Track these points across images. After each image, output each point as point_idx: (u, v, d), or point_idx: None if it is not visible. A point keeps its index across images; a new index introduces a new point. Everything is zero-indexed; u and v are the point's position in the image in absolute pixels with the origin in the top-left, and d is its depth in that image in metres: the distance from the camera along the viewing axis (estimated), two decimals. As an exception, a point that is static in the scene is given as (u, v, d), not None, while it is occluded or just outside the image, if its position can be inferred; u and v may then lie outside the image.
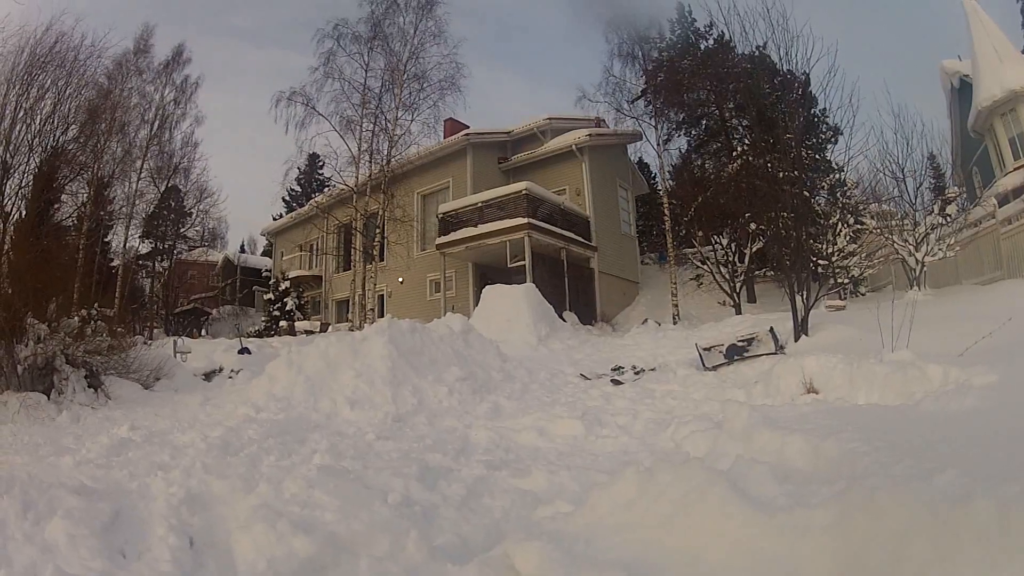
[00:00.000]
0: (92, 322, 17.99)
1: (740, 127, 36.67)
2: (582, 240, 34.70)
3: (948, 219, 25.01)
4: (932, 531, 3.43)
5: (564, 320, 27.76)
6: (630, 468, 5.71)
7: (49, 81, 33.76)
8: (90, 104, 36.70)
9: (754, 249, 28.90)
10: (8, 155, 31.17)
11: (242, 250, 68.73)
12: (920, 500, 3.65)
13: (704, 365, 16.71)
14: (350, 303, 39.25)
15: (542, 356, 20.80)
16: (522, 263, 30.27)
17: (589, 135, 36.87)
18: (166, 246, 49.62)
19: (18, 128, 31.87)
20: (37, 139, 32.77)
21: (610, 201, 39.21)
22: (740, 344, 17.08)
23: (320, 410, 13.43)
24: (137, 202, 42.08)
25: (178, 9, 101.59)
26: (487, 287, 27.65)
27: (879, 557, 3.55)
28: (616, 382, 16.55)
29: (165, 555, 5.34)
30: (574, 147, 36.57)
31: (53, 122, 33.73)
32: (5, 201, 30.53)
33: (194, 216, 49.66)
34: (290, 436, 10.22)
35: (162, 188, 44.94)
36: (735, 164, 31.79)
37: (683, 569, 4.15)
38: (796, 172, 23.70)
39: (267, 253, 62.14)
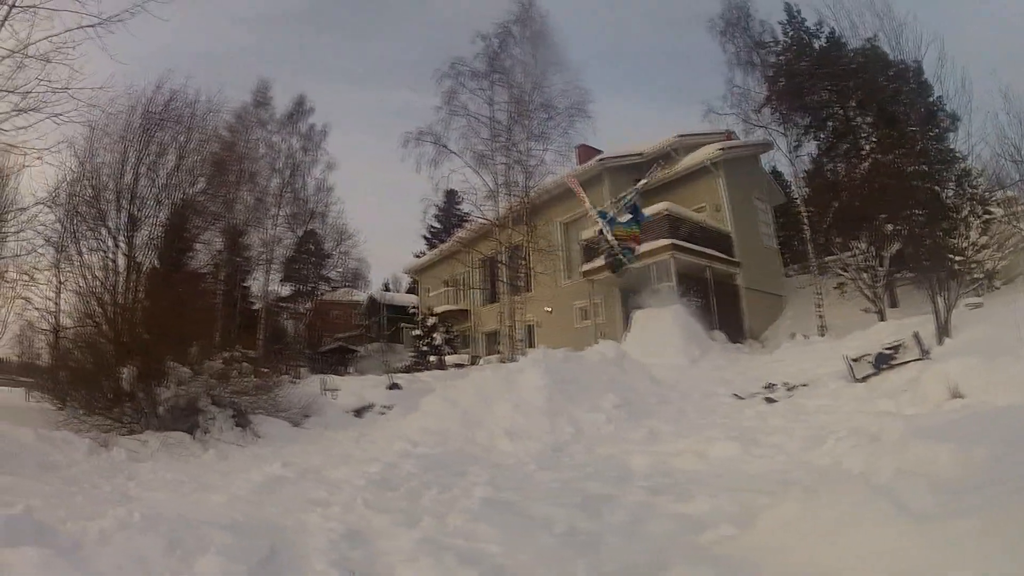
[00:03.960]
0: (237, 363, 18.34)
1: (864, 125, 35.85)
2: (725, 256, 34.10)
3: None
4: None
5: (713, 339, 27.47)
6: (791, 489, 5.71)
7: (169, 137, 34.52)
8: (215, 157, 37.59)
9: (892, 251, 28.15)
10: (135, 209, 31.95)
11: (386, 288, 69.18)
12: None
13: (854, 376, 16.34)
14: (499, 335, 39.17)
15: (695, 377, 20.50)
16: (668, 284, 29.92)
17: (721, 149, 36.16)
18: (308, 288, 50.60)
19: (142, 183, 32.74)
20: (164, 193, 33.57)
21: (749, 214, 38.28)
22: (887, 352, 16.68)
23: (477, 443, 13.53)
24: (275, 247, 42.91)
25: (286, 62, 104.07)
26: (637, 311, 27.57)
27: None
28: (769, 400, 16.37)
29: (326, 589, 5.36)
30: (708, 163, 35.75)
31: (179, 176, 34.52)
32: (135, 252, 31.26)
33: (334, 258, 50.34)
34: (449, 469, 10.30)
35: (299, 233, 45.85)
36: (865, 164, 31.17)
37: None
38: (923, 166, 23.19)
39: (412, 290, 62.93)
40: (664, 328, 24.90)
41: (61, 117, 20.50)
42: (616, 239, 24.60)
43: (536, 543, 6.08)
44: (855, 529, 4.45)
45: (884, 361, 16.34)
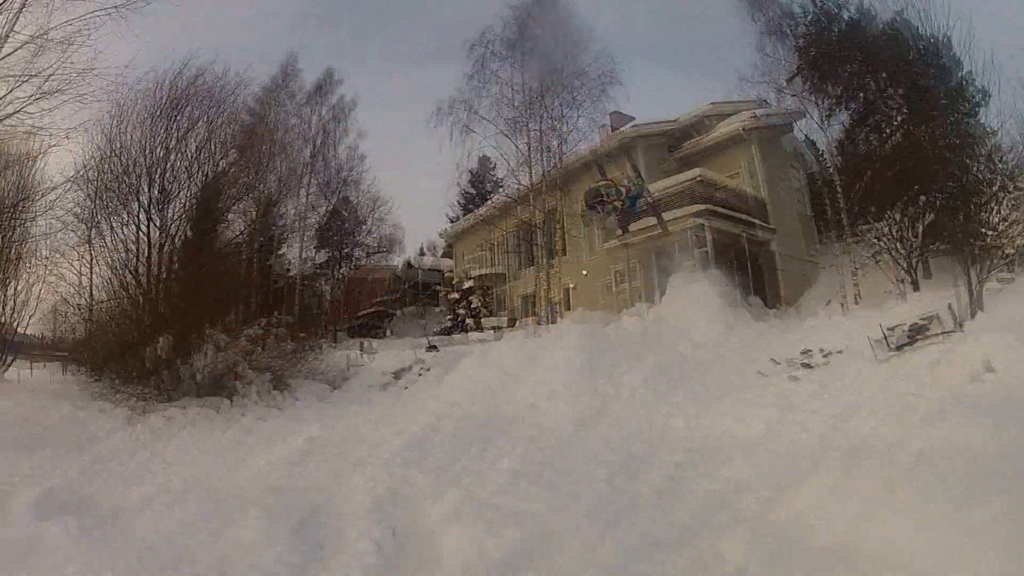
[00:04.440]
0: (273, 329, 18.50)
1: (896, 97, 35.45)
2: (759, 223, 33.24)
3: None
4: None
5: (749, 306, 27.42)
6: (829, 457, 5.82)
7: (198, 112, 34.85)
8: (245, 130, 37.87)
9: (925, 223, 27.86)
10: (165, 182, 32.30)
11: (421, 253, 68.82)
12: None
13: (888, 346, 16.18)
14: (535, 299, 39.06)
15: (731, 343, 20.42)
16: (704, 250, 29.71)
17: (754, 117, 35.42)
18: (343, 254, 50.87)
19: (172, 157, 33.30)
20: (195, 165, 33.91)
21: (782, 182, 37.55)
22: (920, 323, 16.64)
23: (516, 404, 13.50)
24: (309, 215, 43.73)
25: (314, 41, 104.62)
26: (672, 276, 27.57)
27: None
28: (806, 366, 16.39)
29: (368, 548, 5.44)
30: (741, 130, 35.25)
31: (210, 148, 34.82)
32: (168, 225, 31.54)
33: (368, 224, 50.87)
34: (489, 430, 10.38)
35: (332, 201, 46.05)
36: (896, 136, 30.90)
37: (879, 557, 4.16)
38: (954, 140, 22.99)
39: (447, 255, 62.52)
40: (700, 294, 24.86)
41: (86, 97, 20.94)
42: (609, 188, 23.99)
43: (577, 503, 6.14)
44: (891, 502, 4.52)
45: (918, 332, 16.31)
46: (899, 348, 15.70)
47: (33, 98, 20.71)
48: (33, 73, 20.50)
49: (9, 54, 20.48)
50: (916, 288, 25.15)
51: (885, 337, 16.09)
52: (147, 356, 17.29)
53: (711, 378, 15.34)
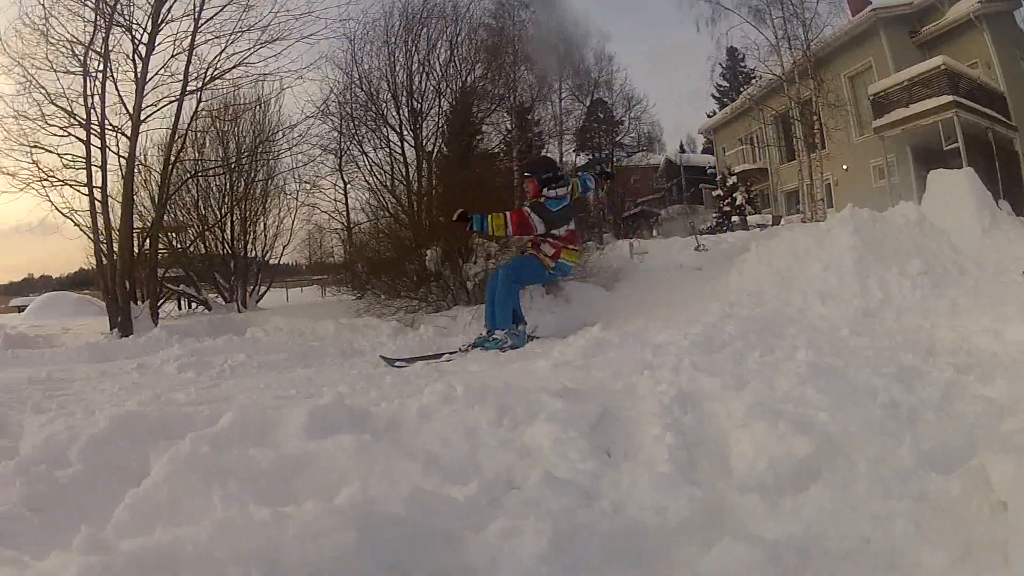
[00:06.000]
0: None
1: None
2: (1003, 119, 32.00)
3: None
4: None
5: (1000, 209, 26.49)
6: None
7: (436, 32, 35.67)
8: (486, 44, 38.52)
9: None
10: (414, 103, 33.11)
11: (682, 150, 69.00)
12: None
13: None
14: (799, 194, 39.04)
15: (987, 248, 19.60)
16: (955, 146, 28.62)
17: (981, 1, 33.20)
18: (603, 155, 51.24)
19: (417, 79, 33.99)
20: (443, 83, 34.72)
21: (1018, 75, 34.86)
22: None
23: (792, 304, 13.28)
24: (565, 119, 44.87)
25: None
26: (931, 172, 26.87)
27: None
28: (1063, 280, 15.48)
29: (662, 454, 5.28)
30: (972, 16, 32.99)
31: (455, 66, 35.67)
32: (424, 143, 32.38)
33: (626, 124, 51.13)
34: (768, 331, 10.12)
35: (587, 103, 47.08)
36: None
37: None
38: None
39: (707, 151, 62.13)
40: (957, 192, 23.89)
41: (312, 38, 21.81)
42: None
43: (861, 412, 5.96)
44: None
45: None
46: None
47: (252, 50, 21.62)
48: (245, 28, 21.34)
49: (210, 18, 21.61)
50: None
51: None
52: (415, 268, 17.71)
53: (972, 287, 14.67)
